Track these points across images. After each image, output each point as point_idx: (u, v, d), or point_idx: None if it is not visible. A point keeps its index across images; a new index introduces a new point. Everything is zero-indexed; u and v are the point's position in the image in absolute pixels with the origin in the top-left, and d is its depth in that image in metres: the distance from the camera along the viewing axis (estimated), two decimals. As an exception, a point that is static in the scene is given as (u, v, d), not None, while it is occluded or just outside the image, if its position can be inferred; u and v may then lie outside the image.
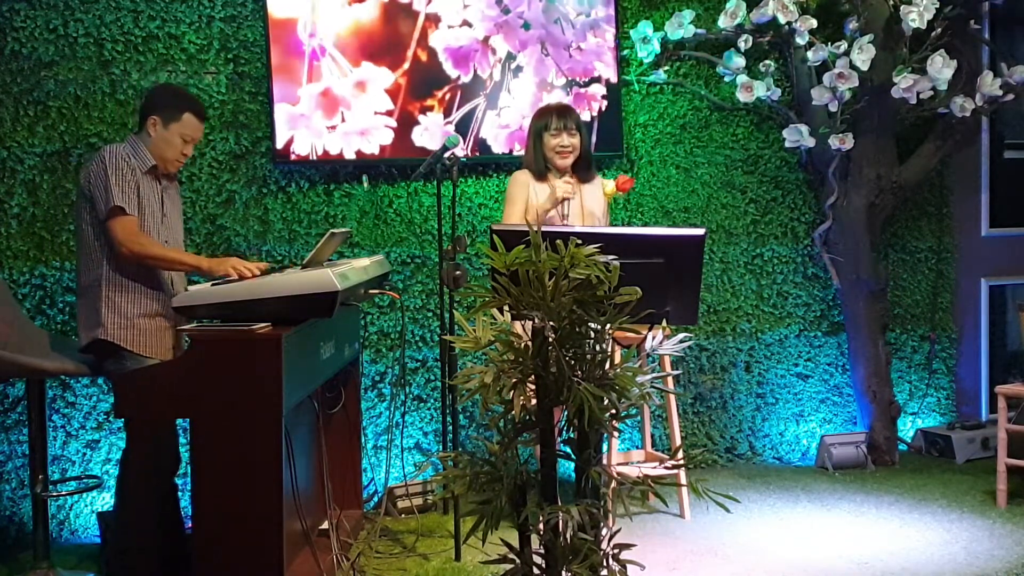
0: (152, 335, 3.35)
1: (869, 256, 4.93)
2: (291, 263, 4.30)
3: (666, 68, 4.82)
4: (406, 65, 4.42)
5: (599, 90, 4.65)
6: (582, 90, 4.63)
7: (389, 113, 4.41)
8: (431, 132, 4.45)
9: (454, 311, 3.66)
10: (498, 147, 4.55)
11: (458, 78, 4.48)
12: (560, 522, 2.30)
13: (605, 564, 2.38)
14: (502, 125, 4.55)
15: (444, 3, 4.46)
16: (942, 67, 4.58)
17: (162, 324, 3.38)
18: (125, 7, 4.16)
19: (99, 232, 3.31)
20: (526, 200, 3.93)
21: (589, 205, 3.99)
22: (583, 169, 4.01)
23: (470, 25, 4.49)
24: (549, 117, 3.98)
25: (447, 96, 4.48)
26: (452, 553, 3.72)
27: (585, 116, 4.57)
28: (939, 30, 4.66)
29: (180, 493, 3.64)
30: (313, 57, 4.32)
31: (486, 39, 4.51)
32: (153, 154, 3.39)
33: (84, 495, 4.07)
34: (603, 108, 4.66)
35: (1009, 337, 5.52)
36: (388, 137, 4.41)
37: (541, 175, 3.97)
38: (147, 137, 3.40)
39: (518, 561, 2.41)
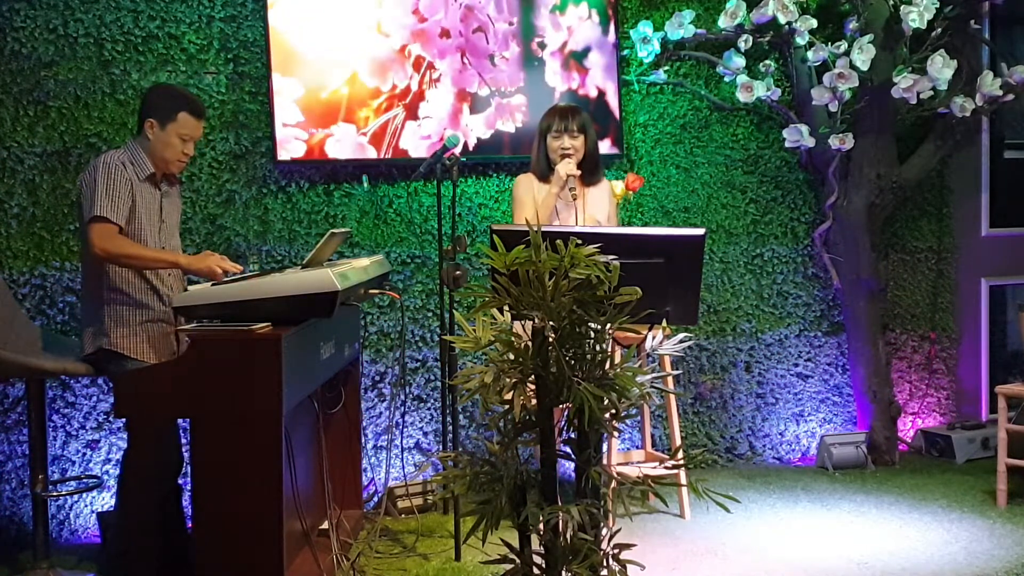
0: (157, 341, 3.35)
1: (869, 256, 4.93)
2: (291, 263, 4.30)
3: (666, 68, 4.82)
4: (349, 74, 4.34)
5: (522, 101, 4.55)
6: (504, 101, 4.53)
7: (299, 125, 4.28)
8: (343, 143, 4.33)
9: (454, 311, 3.66)
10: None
11: (377, 88, 4.36)
12: (560, 522, 2.30)
13: (605, 564, 2.37)
14: (423, 136, 4.43)
15: (391, 10, 4.37)
16: (942, 67, 4.58)
17: (165, 329, 3.38)
18: (125, 7, 4.16)
19: None
20: (533, 200, 3.91)
21: (591, 211, 3.94)
22: (589, 171, 3.94)
23: (387, 35, 4.39)
24: (552, 118, 3.93)
25: (383, 106, 4.38)
26: (452, 553, 3.72)
27: (508, 127, 4.52)
28: (939, 30, 4.66)
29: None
30: None
31: (403, 48, 4.41)
32: (153, 157, 3.37)
33: (84, 495, 4.07)
34: (527, 120, 4.53)
35: (1009, 337, 5.52)
36: (300, 150, 4.28)
37: (544, 176, 3.94)
38: (145, 140, 3.38)
39: (518, 561, 2.41)
